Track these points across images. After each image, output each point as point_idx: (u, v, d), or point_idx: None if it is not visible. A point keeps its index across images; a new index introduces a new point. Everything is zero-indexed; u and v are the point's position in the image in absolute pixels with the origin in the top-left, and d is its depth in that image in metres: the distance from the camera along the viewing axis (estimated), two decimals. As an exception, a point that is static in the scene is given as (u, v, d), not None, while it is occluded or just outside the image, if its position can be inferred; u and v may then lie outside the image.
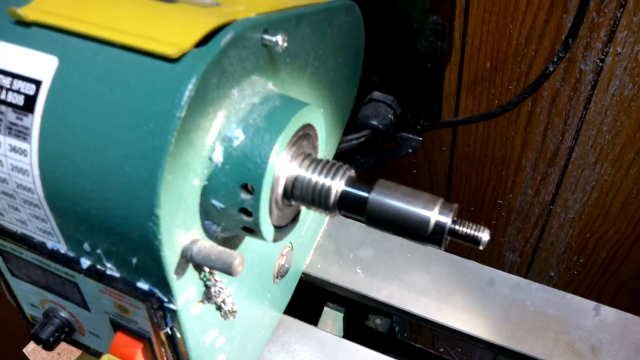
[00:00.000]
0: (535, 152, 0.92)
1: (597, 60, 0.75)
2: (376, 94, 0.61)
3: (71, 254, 0.40)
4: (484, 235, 0.36)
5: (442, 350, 1.63)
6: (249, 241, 0.45)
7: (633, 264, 1.05)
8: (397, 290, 0.57)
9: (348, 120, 0.59)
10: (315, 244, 0.61)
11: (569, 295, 0.56)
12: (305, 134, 0.40)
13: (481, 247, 0.36)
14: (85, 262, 0.40)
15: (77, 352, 1.20)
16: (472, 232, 0.36)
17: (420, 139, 0.64)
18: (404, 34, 0.54)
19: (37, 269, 0.44)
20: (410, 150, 0.64)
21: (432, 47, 0.54)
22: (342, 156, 0.61)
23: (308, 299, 0.62)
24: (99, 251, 0.38)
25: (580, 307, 0.56)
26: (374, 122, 0.60)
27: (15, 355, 1.22)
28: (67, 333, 0.47)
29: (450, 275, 0.58)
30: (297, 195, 0.39)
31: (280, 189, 0.38)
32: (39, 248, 0.41)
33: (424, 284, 0.57)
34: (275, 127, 0.36)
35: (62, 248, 0.40)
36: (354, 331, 0.69)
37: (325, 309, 0.62)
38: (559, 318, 0.55)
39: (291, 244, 0.54)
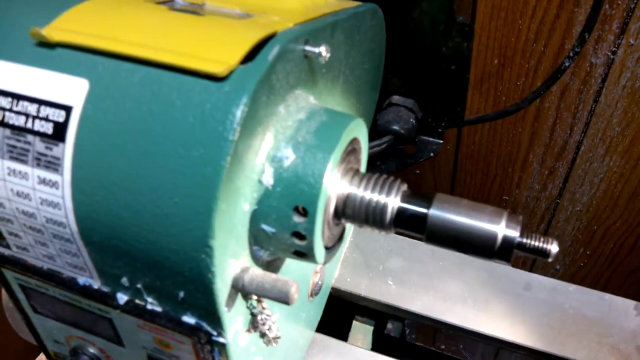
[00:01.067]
0: (543, 147, 0.91)
1: (609, 53, 0.74)
2: (396, 98, 0.59)
3: (106, 289, 0.37)
4: (553, 247, 0.34)
5: (443, 347, 1.62)
6: (289, 262, 0.43)
7: (640, 254, 1.04)
8: (432, 300, 0.55)
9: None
10: (342, 256, 0.58)
11: (608, 296, 0.55)
12: (353, 149, 0.37)
13: (550, 260, 0.34)
14: (123, 298, 0.37)
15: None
16: (541, 244, 0.34)
17: (442, 142, 0.62)
18: (428, 36, 0.52)
19: (65, 306, 0.41)
20: (432, 154, 0.62)
21: (457, 48, 0.52)
22: (363, 164, 0.59)
23: (336, 313, 0.59)
24: (139, 285, 0.35)
25: (621, 308, 0.54)
26: (396, 127, 0.58)
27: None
28: (96, 370, 0.44)
29: (485, 282, 0.56)
30: (349, 214, 0.36)
31: (331, 209, 0.36)
32: (68, 284, 0.38)
33: (459, 293, 0.55)
34: (327, 144, 0.34)
35: (96, 283, 0.37)
36: (376, 341, 0.67)
37: (355, 322, 0.60)
38: (600, 320, 0.53)
39: (323, 260, 0.52)
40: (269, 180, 0.33)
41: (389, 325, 0.91)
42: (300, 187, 0.33)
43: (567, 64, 0.67)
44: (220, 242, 0.31)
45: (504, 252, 0.34)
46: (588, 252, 1.10)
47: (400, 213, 0.35)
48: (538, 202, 1.02)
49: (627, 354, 0.52)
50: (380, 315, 0.60)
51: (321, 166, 0.33)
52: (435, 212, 0.35)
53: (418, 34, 0.53)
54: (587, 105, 0.81)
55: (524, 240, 0.34)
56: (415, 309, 0.55)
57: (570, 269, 1.15)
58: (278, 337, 0.42)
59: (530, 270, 1.16)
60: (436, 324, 0.55)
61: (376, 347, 0.61)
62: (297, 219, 0.34)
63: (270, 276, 0.34)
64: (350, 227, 0.60)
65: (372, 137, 0.58)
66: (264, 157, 0.33)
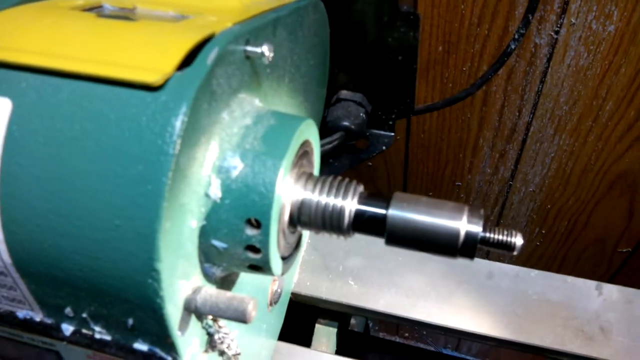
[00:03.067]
0: (493, 131, 0.91)
1: (552, 33, 0.74)
2: (344, 93, 0.58)
3: (49, 320, 0.34)
4: (518, 240, 0.33)
5: (407, 335, 1.63)
6: (244, 275, 0.41)
7: (593, 230, 1.06)
8: (394, 297, 0.54)
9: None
10: (300, 260, 0.57)
11: (570, 278, 0.55)
12: (304, 152, 0.35)
13: (515, 253, 0.33)
14: (68, 329, 0.34)
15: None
16: (505, 237, 0.33)
17: (393, 134, 0.61)
18: (373, 28, 0.51)
19: (6, 342, 0.38)
20: (384, 148, 0.61)
21: (404, 38, 0.51)
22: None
23: (297, 319, 0.58)
24: (84, 315, 0.33)
25: (583, 289, 0.54)
26: (346, 123, 0.56)
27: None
28: (47, 405, 0.41)
29: (446, 274, 0.55)
30: (305, 220, 0.34)
31: (286, 217, 0.34)
32: (7, 319, 0.35)
33: (421, 287, 0.54)
34: (277, 150, 0.32)
35: (37, 316, 0.34)
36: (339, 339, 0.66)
37: (318, 326, 0.58)
38: (563, 303, 0.53)
39: (281, 266, 0.50)
40: (216, 193, 0.31)
41: (352, 321, 0.90)
42: (251, 198, 0.31)
43: (512, 47, 0.66)
44: (168, 264, 0.29)
45: (468, 249, 0.32)
46: (543, 232, 1.11)
47: (358, 216, 0.34)
48: (491, 185, 1.03)
49: (591, 335, 0.51)
50: (343, 315, 0.58)
51: (272, 174, 0.31)
52: (394, 213, 0.33)
53: (362, 26, 0.51)
54: (534, 86, 0.82)
55: (488, 235, 0.33)
56: (379, 308, 0.53)
57: (527, 249, 1.16)
58: (238, 354, 0.40)
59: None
60: (401, 321, 0.53)
61: (341, 345, 0.60)
62: (249, 231, 0.32)
63: (224, 295, 0.32)
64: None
65: (322, 135, 0.57)
66: (210, 169, 0.31)
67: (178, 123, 0.27)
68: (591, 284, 0.54)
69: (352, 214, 0.34)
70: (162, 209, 0.27)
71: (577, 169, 0.93)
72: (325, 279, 0.55)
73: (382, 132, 0.60)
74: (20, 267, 0.31)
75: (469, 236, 0.32)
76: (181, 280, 0.31)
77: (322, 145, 0.55)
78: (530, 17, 0.63)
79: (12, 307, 0.35)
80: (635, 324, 0.52)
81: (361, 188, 0.35)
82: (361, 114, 0.56)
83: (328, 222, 0.34)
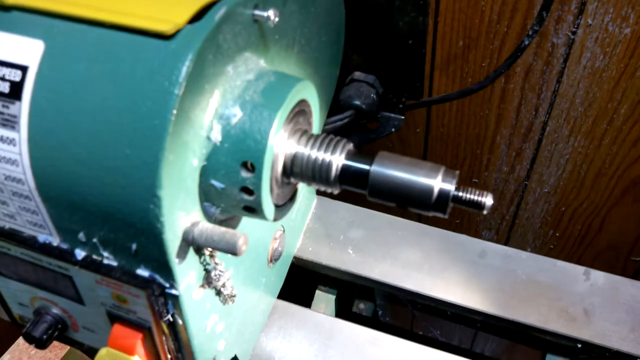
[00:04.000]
0: (510, 129, 0.93)
1: (569, 33, 0.76)
2: (357, 74, 0.61)
3: (64, 245, 0.39)
4: (488, 200, 0.36)
5: (420, 333, 1.64)
6: (244, 224, 0.44)
7: (607, 235, 1.07)
8: (390, 268, 0.57)
9: (331, 101, 0.59)
10: (305, 227, 0.60)
11: (560, 262, 0.57)
12: (301, 110, 0.39)
13: (485, 212, 0.36)
14: (80, 253, 0.38)
15: (55, 359, 1.16)
16: (476, 197, 0.36)
17: (403, 117, 0.64)
18: (385, 12, 0.54)
19: (27, 265, 0.42)
20: (393, 130, 0.64)
21: (413, 22, 0.54)
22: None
23: (299, 283, 0.61)
24: (95, 240, 0.37)
25: (571, 273, 0.56)
26: (357, 102, 0.60)
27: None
28: (60, 330, 0.46)
29: (442, 250, 0.58)
30: (297, 172, 0.38)
31: (279, 167, 0.37)
32: (29, 242, 0.40)
33: (416, 260, 0.57)
34: (273, 103, 0.35)
35: (55, 240, 0.39)
36: (342, 316, 0.69)
37: (318, 292, 0.62)
38: (551, 285, 0.56)
39: (283, 227, 0.53)
40: (217, 137, 0.35)
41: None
42: (247, 144, 0.35)
43: (526, 43, 0.69)
44: (169, 193, 0.33)
45: (440, 204, 0.36)
46: (557, 234, 1.12)
47: (344, 170, 0.37)
48: (507, 184, 1.05)
49: (574, 316, 0.54)
50: (342, 284, 0.62)
51: (267, 123, 0.35)
52: (376, 169, 0.37)
53: (375, 9, 0.54)
54: (550, 86, 0.84)
55: (459, 194, 0.36)
56: (374, 276, 0.57)
57: (540, 252, 1.17)
58: (234, 296, 0.44)
59: (507, 239, 1.18)
60: (394, 290, 0.57)
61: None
62: (244, 174, 0.35)
63: (219, 229, 0.36)
64: (312, 196, 0.62)
65: (334, 112, 0.60)
66: (212, 115, 0.35)
67: (184, 68, 0.31)
68: (580, 269, 0.56)
69: (339, 168, 0.37)
70: (166, 142, 0.31)
71: (592, 172, 0.95)
72: (327, 247, 0.59)
73: (393, 115, 0.64)
74: (42, 191, 0.36)
75: (442, 193, 0.36)
76: (181, 211, 0.35)
77: (333, 122, 0.59)
78: (545, 15, 0.66)
79: (34, 231, 0.39)
80: (617, 310, 0.54)
81: (350, 146, 0.38)
82: (372, 95, 0.60)
83: (317, 174, 0.38)
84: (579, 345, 0.53)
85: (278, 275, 0.56)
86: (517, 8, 0.76)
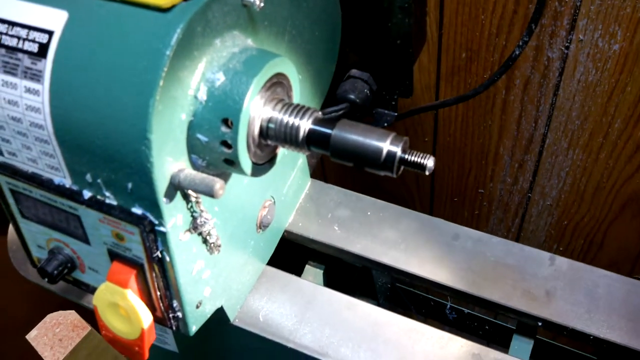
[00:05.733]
0: (512, 140, 0.98)
1: (562, 48, 0.81)
2: (354, 71, 0.68)
3: (75, 187, 0.46)
4: (429, 162, 0.42)
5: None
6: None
7: (609, 251, 1.10)
8: (370, 244, 0.63)
9: (329, 96, 0.66)
10: (297, 205, 0.67)
11: (527, 248, 0.62)
12: (279, 82, 0.46)
13: (427, 173, 0.42)
14: (87, 194, 0.46)
15: (77, 339, 1.25)
16: (419, 159, 0.42)
17: (395, 114, 0.70)
18: (376, 13, 0.61)
19: (45, 207, 0.50)
20: (385, 125, 0.70)
21: (400, 24, 0.60)
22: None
23: (290, 258, 0.67)
24: (99, 181, 0.44)
25: (537, 258, 0.61)
26: (352, 96, 0.66)
27: (18, 342, 1.29)
28: (69, 269, 0.53)
29: (418, 231, 0.63)
30: (272, 134, 0.45)
31: (256, 129, 0.44)
32: (46, 184, 0.47)
33: (394, 239, 0.63)
34: (252, 71, 0.42)
35: (67, 182, 0.46)
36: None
37: (307, 266, 0.68)
38: (517, 267, 0.60)
39: (273, 198, 0.60)
40: (202, 96, 0.42)
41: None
42: (227, 103, 0.42)
43: (517, 52, 0.75)
44: (158, 138, 0.40)
45: (388, 164, 0.42)
46: (561, 249, 1.15)
47: (310, 134, 0.44)
48: (511, 195, 1.09)
49: (536, 296, 0.58)
50: (330, 260, 0.68)
51: (245, 87, 0.42)
52: (337, 132, 0.43)
53: (368, 11, 0.61)
54: (548, 99, 0.89)
55: (405, 156, 0.42)
56: (355, 251, 0.63)
57: (546, 266, 1.20)
58: (219, 246, 0.51)
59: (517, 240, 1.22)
60: (372, 264, 0.62)
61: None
62: (224, 129, 0.42)
63: (201, 174, 0.43)
64: (306, 177, 0.68)
65: (331, 105, 0.67)
66: (200, 78, 0.42)
67: (175, 35, 0.39)
68: (546, 254, 0.61)
69: (306, 131, 0.44)
70: (156, 93, 0.38)
71: (591, 185, 0.99)
72: (315, 223, 0.65)
73: (386, 111, 0.70)
74: (58, 135, 0.43)
75: (389, 154, 0.42)
76: (169, 157, 0.42)
77: (328, 112, 0.65)
78: (533, 27, 0.72)
79: (51, 174, 0.47)
80: (577, 293, 0.59)
81: (319, 113, 0.45)
82: (366, 90, 0.66)
83: (288, 137, 0.44)
84: (540, 324, 0.58)
85: (268, 243, 0.62)
86: (514, 22, 0.81)
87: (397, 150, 0.42)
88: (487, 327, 0.88)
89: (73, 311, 1.16)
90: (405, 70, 0.65)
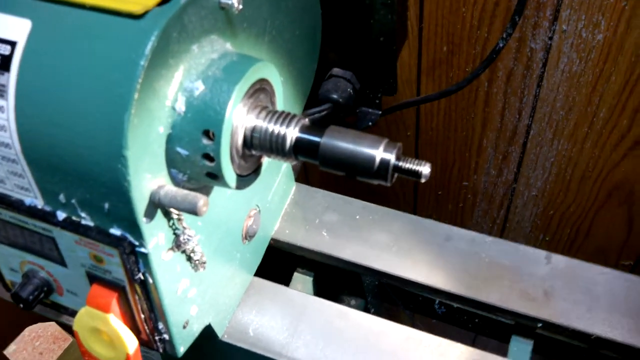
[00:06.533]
0: (495, 132, 0.96)
1: (546, 39, 0.80)
2: (336, 70, 0.65)
3: (48, 208, 0.43)
4: (425, 169, 0.40)
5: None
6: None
7: (595, 239, 1.09)
8: (360, 249, 0.61)
9: (310, 96, 0.63)
10: (283, 211, 0.64)
11: (522, 247, 0.60)
12: (262, 88, 0.43)
13: (423, 180, 0.40)
14: (61, 214, 0.43)
15: (59, 351, 1.22)
16: (414, 166, 0.40)
17: (380, 112, 0.68)
18: (357, 11, 0.58)
19: (16, 229, 0.46)
20: (370, 124, 0.68)
21: (383, 20, 0.58)
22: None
23: (278, 266, 0.65)
24: (73, 201, 0.41)
25: (533, 257, 0.59)
26: (334, 96, 0.64)
27: (-5, 358, 1.23)
28: (46, 293, 0.50)
29: (410, 233, 0.61)
30: (256, 144, 0.42)
31: (239, 138, 0.41)
32: (16, 205, 0.44)
33: (385, 242, 0.61)
34: (233, 78, 0.40)
35: (39, 203, 0.43)
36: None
37: (295, 274, 0.65)
38: (513, 267, 0.59)
39: (258, 207, 0.57)
40: (181, 107, 0.39)
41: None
42: (208, 113, 0.39)
43: (501, 45, 0.73)
44: (135, 154, 0.37)
45: (382, 172, 0.39)
46: (547, 239, 1.15)
47: (298, 142, 0.41)
48: (496, 187, 1.08)
49: (534, 297, 0.57)
50: (319, 267, 0.65)
51: (226, 95, 0.39)
52: (326, 141, 0.41)
53: (349, 8, 0.59)
54: (531, 90, 0.87)
55: (399, 163, 0.40)
56: (346, 257, 0.60)
57: (532, 256, 1.19)
58: (204, 262, 0.48)
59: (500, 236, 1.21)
60: (364, 270, 0.60)
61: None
62: (205, 141, 0.40)
63: (183, 191, 0.40)
64: (291, 182, 0.65)
65: (313, 106, 0.64)
66: (177, 87, 0.39)
67: (149, 43, 0.36)
68: (541, 253, 0.60)
69: (293, 140, 0.41)
70: (131, 106, 0.36)
71: (576, 175, 0.98)
72: (302, 229, 0.63)
73: (370, 110, 0.68)
74: (27, 154, 0.40)
75: (383, 162, 0.39)
76: (147, 174, 0.39)
77: (311, 114, 0.63)
78: (517, 19, 0.70)
79: (21, 194, 0.43)
80: (576, 292, 0.57)
81: (305, 120, 0.42)
82: (349, 89, 0.64)
83: (274, 146, 0.42)
84: (539, 325, 0.56)
85: (254, 253, 0.59)
86: (496, 14, 0.80)
87: (391, 157, 0.39)
88: (476, 320, 0.87)
89: (53, 322, 1.12)
90: (389, 68, 0.63)
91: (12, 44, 0.39)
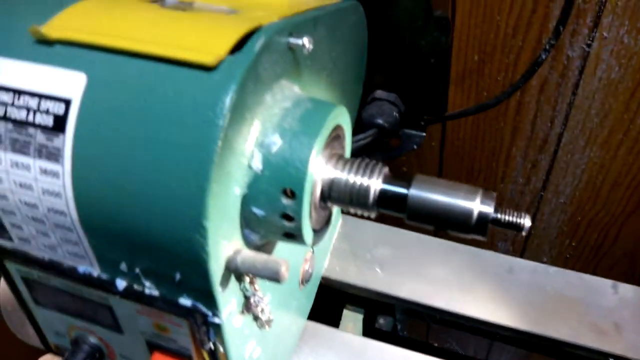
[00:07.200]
0: (525, 141, 0.93)
1: (584, 46, 0.76)
2: (379, 93, 0.61)
3: (105, 276, 0.39)
4: (526, 222, 0.36)
5: (435, 344, 1.64)
6: (279, 249, 0.45)
7: (623, 243, 1.07)
8: (418, 285, 0.57)
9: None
10: (331, 247, 0.60)
11: (587, 276, 0.57)
12: (337, 136, 0.39)
13: (524, 233, 0.36)
14: (122, 284, 0.39)
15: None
16: (515, 219, 0.36)
17: (424, 134, 0.65)
18: (407, 32, 0.54)
19: (66, 296, 0.42)
20: (415, 147, 0.64)
21: (436, 42, 0.54)
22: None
23: (327, 303, 0.61)
24: (137, 270, 0.37)
25: (599, 287, 0.56)
26: (379, 121, 0.60)
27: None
28: (97, 359, 0.46)
29: (469, 266, 0.58)
30: (335, 196, 0.38)
31: (318, 192, 0.38)
32: (69, 273, 0.40)
33: (444, 277, 0.57)
34: (312, 130, 0.36)
35: (95, 271, 0.39)
36: (367, 333, 0.69)
37: (345, 311, 0.62)
38: (579, 299, 0.56)
39: (313, 249, 0.54)
40: (258, 165, 0.35)
41: (381, 320, 0.93)
42: (288, 171, 0.35)
43: (543, 57, 0.69)
44: (214, 223, 0.33)
45: (480, 227, 0.36)
46: (574, 244, 1.12)
47: (382, 194, 0.38)
48: (523, 195, 1.05)
49: (605, 330, 0.54)
50: (369, 303, 0.62)
51: (307, 151, 0.35)
52: (414, 192, 0.37)
53: (398, 30, 0.55)
54: (566, 98, 0.84)
55: (498, 216, 0.36)
56: (403, 295, 0.57)
57: (557, 261, 1.17)
58: (271, 320, 0.44)
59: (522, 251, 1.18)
60: (423, 309, 0.57)
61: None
62: (285, 201, 0.36)
63: (261, 256, 0.36)
64: (338, 215, 0.62)
65: (357, 131, 0.61)
66: (253, 143, 0.35)
67: (228, 99, 0.32)
68: (607, 282, 0.57)
69: (377, 192, 0.38)
70: (211, 173, 0.32)
71: (607, 182, 0.95)
72: (354, 266, 0.59)
73: (414, 132, 0.64)
74: (85, 223, 0.36)
75: (481, 216, 0.36)
76: (224, 240, 0.35)
77: (356, 141, 0.59)
78: (561, 29, 0.66)
79: (74, 262, 0.39)
80: (648, 322, 0.54)
81: (386, 169, 0.38)
82: (394, 113, 0.60)
83: (355, 199, 0.38)
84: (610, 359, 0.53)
85: (308, 296, 0.56)
86: (532, 22, 0.76)
87: (490, 210, 0.36)
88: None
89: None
90: (440, 90, 0.59)
91: (67, 102, 0.34)
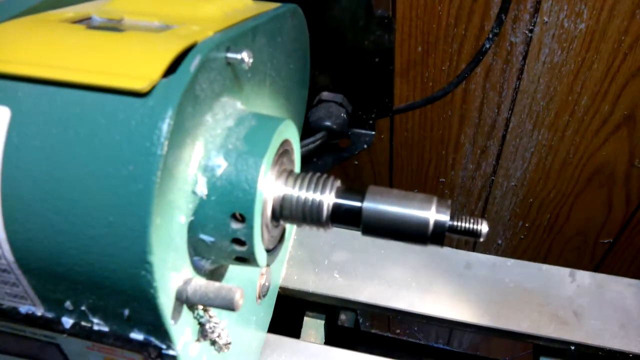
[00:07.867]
0: (473, 128, 0.94)
1: (526, 31, 0.77)
2: (325, 94, 0.60)
3: (50, 314, 0.37)
4: (483, 227, 0.36)
5: (398, 331, 1.65)
6: (232, 268, 0.43)
7: (575, 222, 1.09)
8: (377, 288, 0.56)
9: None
10: (288, 255, 0.59)
11: (545, 266, 0.57)
12: (285, 150, 0.38)
13: (481, 239, 0.36)
14: (68, 321, 0.36)
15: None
16: (471, 225, 0.35)
17: (374, 133, 0.64)
18: (350, 32, 0.53)
19: (8, 337, 0.40)
20: (365, 146, 0.63)
21: (379, 41, 0.53)
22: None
23: (287, 312, 0.60)
24: (83, 308, 0.35)
25: (557, 276, 0.57)
26: (328, 123, 0.59)
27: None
28: (48, 397, 0.44)
29: (427, 265, 0.57)
30: (287, 214, 0.37)
31: (269, 212, 0.36)
32: (10, 314, 0.37)
33: (403, 278, 0.57)
34: (258, 149, 0.34)
35: (39, 310, 0.37)
36: (328, 333, 0.68)
37: (306, 318, 0.61)
38: (539, 290, 0.56)
39: (268, 261, 0.52)
40: (202, 190, 0.34)
41: (342, 317, 0.92)
42: (235, 194, 0.34)
43: (487, 46, 0.69)
44: (159, 257, 0.31)
45: (437, 236, 0.35)
46: (527, 225, 1.13)
47: (336, 209, 0.36)
48: (474, 181, 1.05)
49: (565, 319, 0.54)
50: (330, 308, 0.61)
51: (254, 171, 0.34)
52: (368, 205, 0.36)
53: (340, 30, 0.54)
54: (511, 83, 0.84)
55: (455, 223, 0.35)
56: (363, 299, 0.56)
57: (511, 243, 1.19)
58: (229, 343, 0.43)
59: (473, 249, 1.19)
60: (384, 311, 0.56)
61: (330, 340, 0.62)
62: (235, 225, 0.34)
63: (213, 285, 0.34)
64: (291, 228, 0.61)
65: (305, 135, 0.59)
66: (196, 168, 0.34)
67: (164, 126, 0.30)
68: (565, 271, 0.57)
69: (330, 207, 0.36)
70: (152, 206, 0.30)
71: (557, 162, 0.96)
72: (312, 273, 0.58)
73: (363, 131, 0.63)
74: (22, 264, 0.34)
75: (438, 225, 0.35)
76: (172, 272, 0.33)
77: (305, 145, 0.58)
78: (504, 17, 0.66)
79: (14, 303, 0.37)
80: (605, 308, 0.55)
81: (338, 183, 0.37)
82: (342, 114, 0.59)
83: (308, 215, 0.37)
84: (572, 348, 0.54)
85: (267, 309, 0.54)
86: (474, 10, 0.76)
87: (446, 219, 0.35)
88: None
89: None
90: (386, 88, 0.58)
91: (-10, 139, 0.32)
